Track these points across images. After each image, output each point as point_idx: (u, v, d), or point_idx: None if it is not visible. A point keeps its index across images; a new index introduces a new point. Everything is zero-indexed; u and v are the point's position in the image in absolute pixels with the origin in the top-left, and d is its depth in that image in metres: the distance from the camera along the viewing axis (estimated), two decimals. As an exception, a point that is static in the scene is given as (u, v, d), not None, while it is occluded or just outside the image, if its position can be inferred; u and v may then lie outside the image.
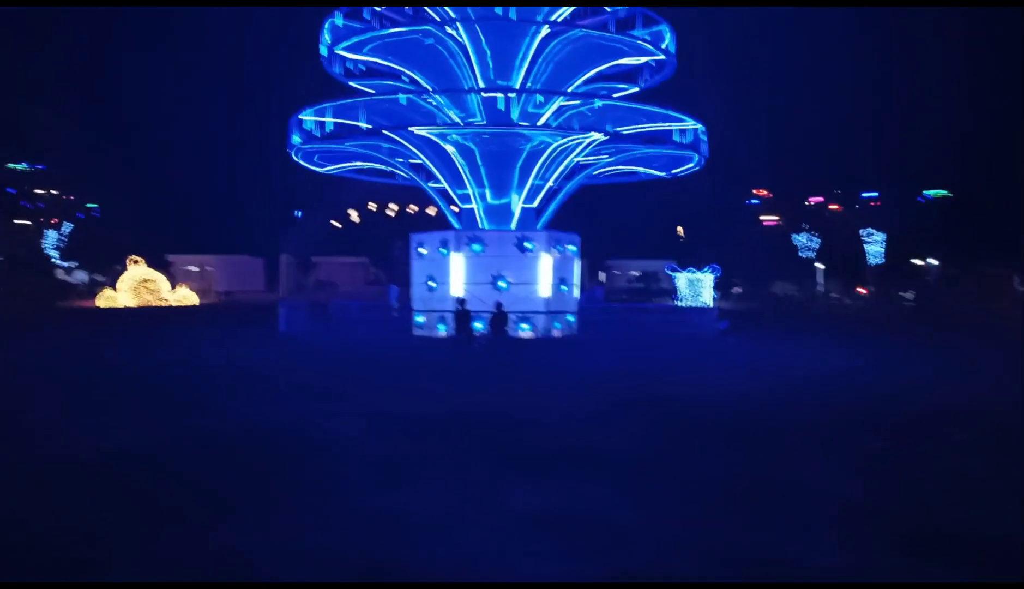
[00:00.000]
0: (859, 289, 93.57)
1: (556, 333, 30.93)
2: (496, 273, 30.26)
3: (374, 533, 7.67)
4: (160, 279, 68.42)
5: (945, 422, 13.57)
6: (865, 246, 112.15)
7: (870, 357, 25.29)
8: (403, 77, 34.40)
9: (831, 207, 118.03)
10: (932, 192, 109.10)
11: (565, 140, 31.67)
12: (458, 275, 30.61)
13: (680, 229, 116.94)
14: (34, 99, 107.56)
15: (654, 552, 7.25)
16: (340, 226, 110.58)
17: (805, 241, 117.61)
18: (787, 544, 7.47)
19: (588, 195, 42.43)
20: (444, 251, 31.12)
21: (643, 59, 34.49)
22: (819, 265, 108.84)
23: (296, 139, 32.21)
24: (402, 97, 32.03)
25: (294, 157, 34.28)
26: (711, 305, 55.83)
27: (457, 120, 32.10)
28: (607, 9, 33.88)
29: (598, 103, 31.93)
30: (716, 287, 68.27)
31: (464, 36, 31.34)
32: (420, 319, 31.61)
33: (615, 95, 35.48)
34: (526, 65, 31.84)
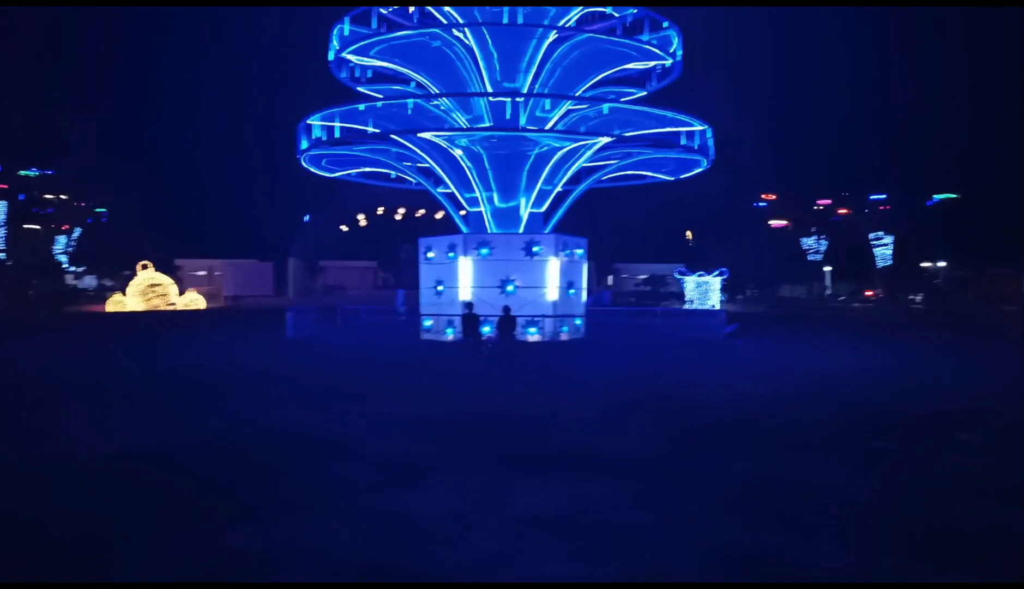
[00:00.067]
0: (868, 292, 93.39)
1: (564, 336, 30.98)
2: (504, 277, 30.31)
3: (394, 530, 7.81)
4: (168, 284, 68.80)
5: (952, 422, 13.59)
6: (874, 249, 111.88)
7: (878, 359, 25.25)
8: (410, 82, 34.60)
9: (839, 210, 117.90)
10: (940, 196, 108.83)
11: (572, 144, 31.75)
12: (466, 279, 30.67)
13: (689, 233, 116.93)
14: (44, 105, 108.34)
15: (657, 552, 7.34)
16: (348, 230, 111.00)
17: (813, 244, 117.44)
18: (787, 544, 7.54)
19: (595, 198, 42.50)
20: (452, 255, 31.18)
21: (651, 64, 34.61)
22: (827, 268, 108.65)
23: (304, 144, 32.37)
24: (410, 102, 32.12)
25: (303, 163, 34.42)
26: (719, 308, 55.79)
27: (465, 124, 32.22)
28: (615, 14, 33.95)
29: (606, 109, 31.89)
30: (724, 290, 68.24)
31: (471, 40, 31.49)
32: (428, 323, 31.71)
33: (622, 99, 35.51)
34: (533, 69, 31.94)
